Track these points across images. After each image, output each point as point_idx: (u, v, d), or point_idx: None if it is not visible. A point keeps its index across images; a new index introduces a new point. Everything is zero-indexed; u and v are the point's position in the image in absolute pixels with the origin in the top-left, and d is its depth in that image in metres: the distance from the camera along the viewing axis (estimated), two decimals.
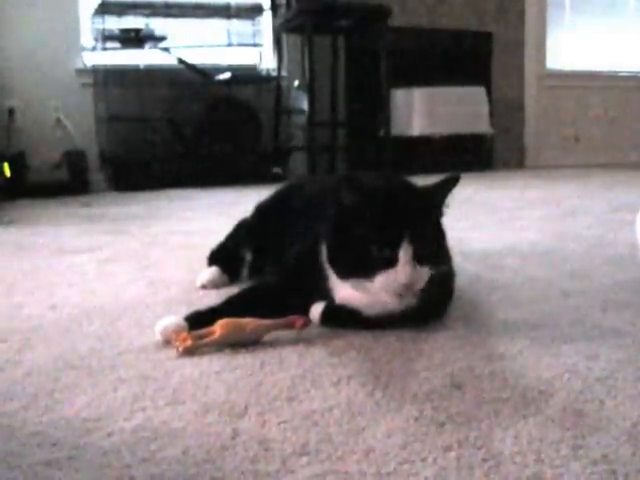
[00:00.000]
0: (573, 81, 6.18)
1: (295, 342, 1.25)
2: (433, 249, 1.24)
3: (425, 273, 1.21)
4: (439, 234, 1.30)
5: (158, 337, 1.27)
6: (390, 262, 1.18)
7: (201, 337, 1.22)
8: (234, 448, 0.85)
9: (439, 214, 1.30)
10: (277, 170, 4.64)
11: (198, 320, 1.28)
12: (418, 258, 1.19)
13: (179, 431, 0.90)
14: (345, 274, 1.25)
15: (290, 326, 1.29)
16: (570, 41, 6.22)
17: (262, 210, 1.73)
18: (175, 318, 1.29)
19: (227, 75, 4.75)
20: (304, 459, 0.82)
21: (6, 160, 4.09)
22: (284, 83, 5.01)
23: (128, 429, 0.91)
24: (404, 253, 1.18)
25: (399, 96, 5.09)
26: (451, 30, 5.52)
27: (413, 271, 1.18)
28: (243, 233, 1.77)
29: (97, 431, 0.90)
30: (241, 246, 1.74)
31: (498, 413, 0.94)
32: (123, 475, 0.79)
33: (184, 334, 1.22)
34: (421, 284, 1.22)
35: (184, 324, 1.27)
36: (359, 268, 1.22)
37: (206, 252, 1.84)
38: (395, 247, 1.18)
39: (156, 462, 0.81)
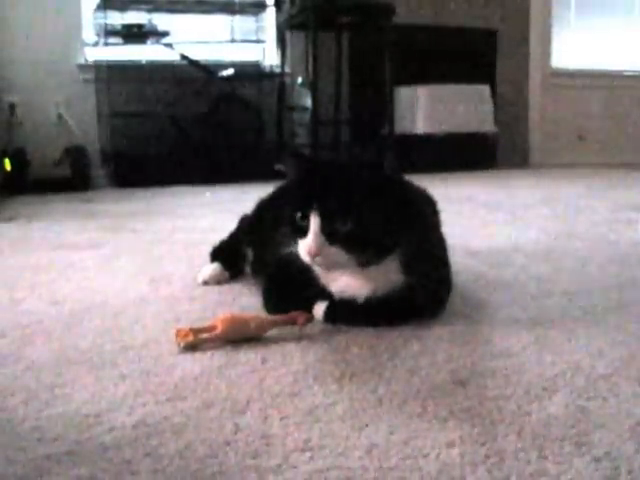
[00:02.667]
0: (578, 80, 6.16)
1: (297, 338, 1.25)
2: (354, 233, 1.21)
3: (339, 254, 1.21)
4: (384, 225, 1.24)
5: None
6: (306, 231, 1.22)
7: (203, 332, 1.22)
8: (236, 443, 0.84)
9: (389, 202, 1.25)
10: (280, 167, 4.62)
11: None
12: (329, 235, 1.20)
13: (181, 426, 0.90)
14: (286, 242, 1.29)
15: (292, 322, 1.29)
16: (575, 40, 6.20)
17: (263, 207, 1.73)
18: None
19: (230, 71, 4.74)
20: (306, 454, 0.81)
21: (7, 156, 4.09)
22: (287, 80, 4.99)
23: (129, 424, 0.90)
24: (313, 224, 1.21)
25: (403, 94, 5.08)
26: (456, 28, 5.50)
27: (319, 244, 1.20)
28: (245, 230, 1.77)
29: (98, 426, 0.90)
30: (243, 243, 1.74)
31: (501, 410, 0.93)
32: (124, 470, 0.78)
33: (185, 330, 1.22)
34: (334, 261, 1.22)
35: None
36: (290, 236, 1.27)
37: (208, 248, 1.84)
38: (308, 217, 1.22)
39: (158, 457, 0.81)
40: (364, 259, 1.23)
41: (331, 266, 1.25)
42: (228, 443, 0.85)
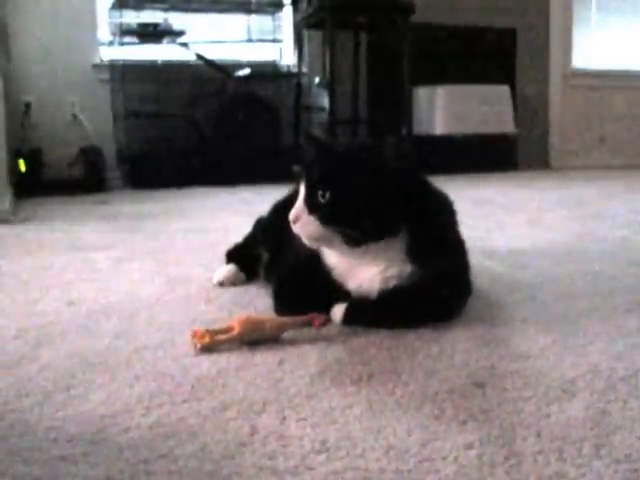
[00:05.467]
0: (599, 80, 6.11)
1: (314, 340, 1.25)
2: (332, 203, 1.23)
3: (312, 224, 1.25)
4: (381, 206, 1.25)
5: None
6: None
7: (219, 334, 1.22)
8: (252, 445, 0.84)
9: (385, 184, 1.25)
10: (297, 168, 4.62)
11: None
12: (309, 204, 1.26)
13: (197, 427, 0.89)
14: None
15: (309, 324, 1.29)
16: (596, 40, 6.15)
17: (279, 209, 1.72)
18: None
19: (246, 71, 4.74)
20: (323, 456, 0.81)
21: (22, 156, 4.10)
22: (304, 80, 4.99)
23: (145, 425, 0.90)
24: (301, 192, 1.28)
25: (421, 94, 5.07)
26: (475, 27, 5.47)
27: (299, 211, 1.26)
28: (260, 232, 1.77)
29: (114, 427, 0.90)
30: (258, 245, 1.74)
31: (520, 412, 0.92)
32: (140, 471, 0.78)
33: (202, 331, 1.22)
34: (308, 230, 1.26)
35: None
36: None
37: (223, 250, 1.84)
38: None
39: (174, 458, 0.81)
40: (345, 236, 1.24)
41: (312, 239, 1.28)
42: (244, 444, 0.84)
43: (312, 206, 1.25)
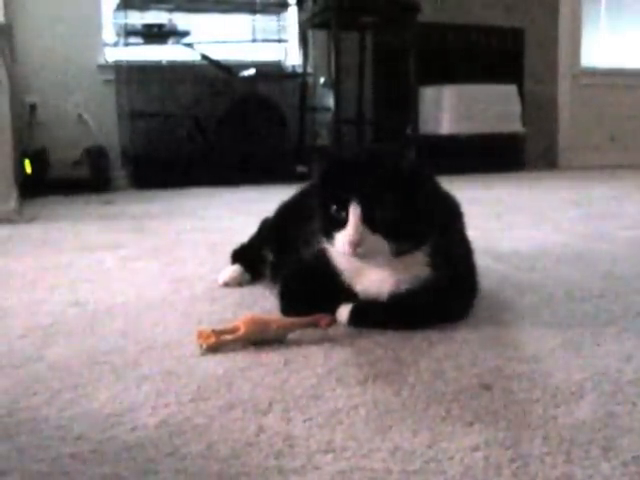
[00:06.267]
0: (609, 79, 6.08)
1: (320, 341, 1.25)
2: (393, 220, 1.22)
3: (380, 242, 1.22)
4: (418, 213, 1.25)
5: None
6: (344, 223, 1.23)
7: (225, 334, 1.22)
8: (259, 444, 0.84)
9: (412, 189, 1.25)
10: (302, 169, 4.61)
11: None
12: (370, 224, 1.22)
13: (203, 427, 0.89)
14: (316, 239, 1.32)
15: (315, 325, 1.28)
16: (606, 38, 6.13)
17: (284, 210, 1.72)
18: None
19: (251, 71, 4.74)
20: (329, 456, 0.81)
21: (27, 157, 4.12)
22: (310, 80, 4.98)
23: (152, 424, 0.90)
24: (352, 214, 1.21)
25: (428, 94, 5.06)
26: (482, 26, 5.46)
27: (360, 232, 1.21)
28: (265, 232, 1.76)
29: (121, 426, 0.90)
30: (263, 245, 1.73)
31: (527, 414, 0.92)
32: (147, 469, 0.78)
33: (207, 331, 1.22)
34: (376, 250, 1.23)
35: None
36: (324, 231, 1.28)
37: (228, 250, 1.84)
38: (346, 208, 1.22)
39: (180, 457, 0.81)
40: (401, 248, 1.24)
41: (370, 256, 1.25)
42: (251, 444, 0.84)
43: (374, 226, 1.22)
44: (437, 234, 1.28)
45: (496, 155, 5.16)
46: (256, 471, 0.78)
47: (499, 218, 2.84)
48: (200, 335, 1.21)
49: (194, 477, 0.76)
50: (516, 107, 5.27)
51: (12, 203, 3.10)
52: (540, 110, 5.78)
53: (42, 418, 0.93)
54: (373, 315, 1.31)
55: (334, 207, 1.24)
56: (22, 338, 1.30)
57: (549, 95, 5.89)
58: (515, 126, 5.26)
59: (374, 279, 1.30)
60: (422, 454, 0.81)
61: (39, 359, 1.18)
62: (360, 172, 1.25)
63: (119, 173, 4.55)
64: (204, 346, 1.19)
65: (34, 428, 0.90)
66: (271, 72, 4.99)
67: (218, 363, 1.14)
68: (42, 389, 1.04)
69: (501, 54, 5.55)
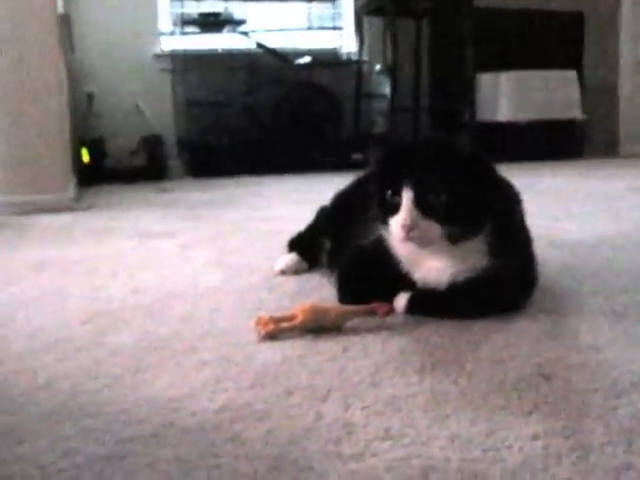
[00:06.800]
0: None
1: (378, 329, 1.25)
2: (446, 204, 1.22)
3: (433, 227, 1.22)
4: (473, 199, 1.24)
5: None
6: (399, 208, 1.23)
7: (283, 321, 1.23)
8: (318, 430, 0.85)
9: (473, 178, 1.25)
10: (357, 157, 4.60)
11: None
12: (422, 208, 1.22)
13: (262, 413, 0.91)
14: (373, 226, 1.33)
15: (372, 313, 1.29)
16: None
17: (342, 198, 1.73)
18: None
19: (307, 59, 4.74)
20: (387, 443, 0.81)
21: (85, 145, 4.20)
22: (365, 67, 4.96)
23: (211, 409, 0.92)
24: (406, 198, 1.22)
25: (485, 80, 4.99)
26: (540, 11, 5.35)
27: (413, 216, 1.21)
28: (323, 220, 1.77)
29: (181, 410, 0.92)
30: (321, 233, 1.74)
31: (587, 404, 0.91)
32: (207, 453, 0.80)
33: (265, 318, 1.23)
34: (429, 235, 1.23)
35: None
36: (380, 217, 1.29)
37: (284, 238, 1.85)
38: (400, 193, 1.23)
39: (240, 442, 0.82)
40: (456, 234, 1.24)
41: (424, 241, 1.25)
42: (310, 430, 0.85)
43: (426, 209, 1.22)
44: (496, 222, 1.27)
45: (555, 142, 5.07)
46: (315, 457, 0.79)
47: (558, 206, 2.80)
48: (258, 322, 1.23)
49: (254, 462, 0.78)
50: (575, 93, 5.16)
51: (70, 191, 3.18)
52: (600, 97, 5.64)
53: (104, 401, 0.96)
54: (431, 304, 1.31)
55: (389, 192, 1.25)
56: (83, 324, 1.33)
57: (610, 81, 5.75)
58: (574, 113, 5.16)
59: (433, 267, 1.30)
60: (481, 443, 0.81)
61: (100, 345, 1.21)
62: (415, 157, 1.26)
63: (175, 162, 4.62)
64: (262, 333, 1.21)
65: (97, 411, 0.93)
66: (327, 59, 4.98)
67: (276, 350, 1.15)
68: (103, 374, 1.07)
69: (560, 39, 5.43)
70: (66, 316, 1.39)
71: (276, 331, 1.21)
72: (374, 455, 0.78)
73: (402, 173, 1.24)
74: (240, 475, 0.75)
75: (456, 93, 4.75)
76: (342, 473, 0.75)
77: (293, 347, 1.16)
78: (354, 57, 4.99)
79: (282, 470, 0.76)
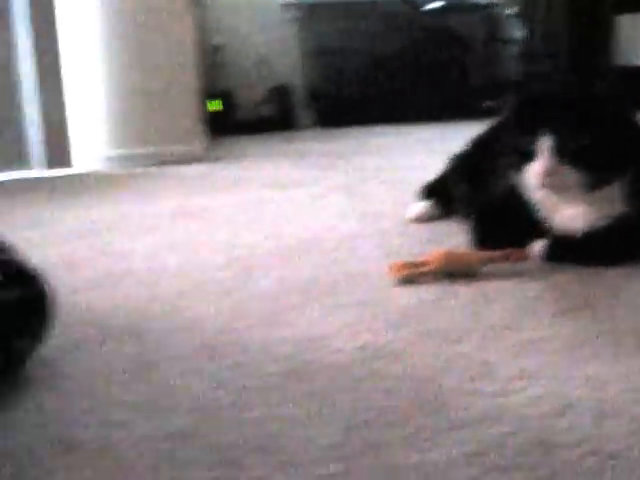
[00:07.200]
0: None
1: (512, 275, 1.25)
2: (583, 151, 1.20)
3: (572, 174, 1.21)
4: (611, 145, 1.22)
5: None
6: (536, 155, 1.23)
7: (417, 266, 1.26)
8: (454, 369, 0.88)
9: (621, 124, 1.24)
10: (489, 104, 4.48)
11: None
12: (561, 154, 1.21)
13: (400, 352, 0.94)
14: (509, 173, 1.33)
15: (507, 259, 1.29)
16: None
17: (476, 144, 1.71)
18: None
19: (438, 4, 4.65)
20: (524, 381, 0.83)
21: (214, 97, 4.26)
22: (498, 11, 4.81)
23: (351, 348, 0.96)
24: (543, 145, 1.21)
25: (625, 23, 4.73)
26: None
27: (550, 163, 1.20)
28: (457, 168, 1.76)
29: (323, 349, 0.97)
30: (454, 181, 1.74)
31: None
32: (353, 387, 0.84)
33: (400, 263, 1.26)
34: (567, 182, 1.22)
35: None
36: (516, 164, 1.29)
37: (413, 187, 1.86)
38: (537, 140, 1.22)
39: (381, 377, 0.87)
40: (593, 181, 1.22)
41: (560, 188, 1.25)
42: (446, 369, 0.88)
43: (564, 155, 1.22)
44: (634, 169, 1.24)
45: None
46: (452, 393, 0.82)
47: None
48: (393, 267, 1.26)
49: (394, 395, 0.81)
50: None
51: (200, 143, 3.28)
52: None
53: (250, 339, 1.02)
54: (568, 251, 1.30)
55: (526, 139, 1.25)
56: (223, 269, 1.40)
57: None
58: None
59: (569, 215, 1.29)
60: (616, 384, 0.81)
61: (240, 289, 1.27)
62: (553, 103, 1.25)
63: (304, 112, 4.64)
64: (397, 277, 1.24)
65: (244, 348, 0.98)
66: (458, 4, 4.85)
67: (412, 294, 1.18)
68: (247, 314, 1.13)
69: None
70: (206, 262, 1.47)
71: (411, 276, 1.24)
72: (511, 392, 0.80)
73: (539, 119, 1.23)
74: (379, 409, 0.78)
75: (594, 36, 4.53)
76: (482, 408, 0.77)
77: (428, 291, 1.19)
78: (486, 1, 4.85)
79: (421, 405, 0.79)
